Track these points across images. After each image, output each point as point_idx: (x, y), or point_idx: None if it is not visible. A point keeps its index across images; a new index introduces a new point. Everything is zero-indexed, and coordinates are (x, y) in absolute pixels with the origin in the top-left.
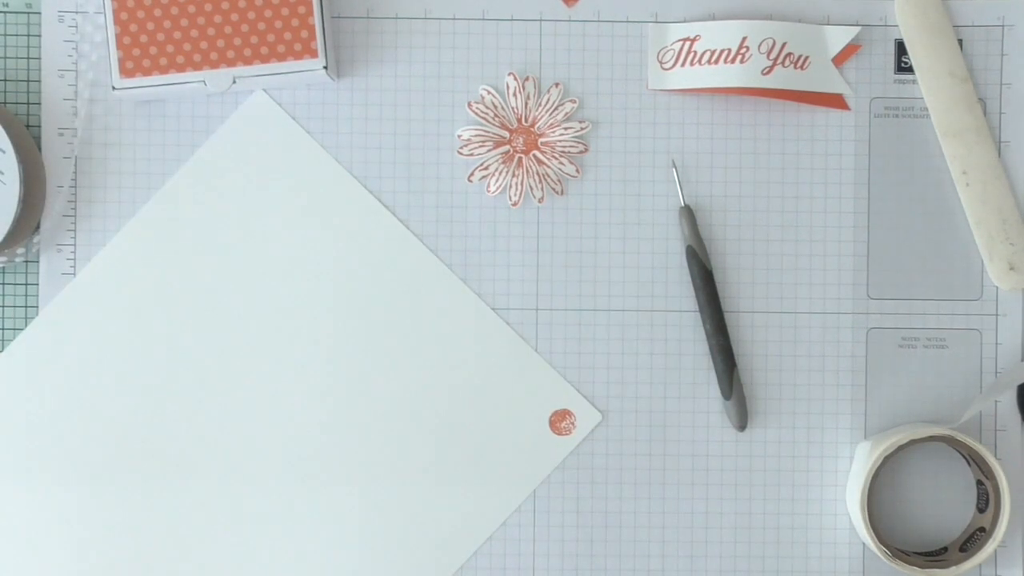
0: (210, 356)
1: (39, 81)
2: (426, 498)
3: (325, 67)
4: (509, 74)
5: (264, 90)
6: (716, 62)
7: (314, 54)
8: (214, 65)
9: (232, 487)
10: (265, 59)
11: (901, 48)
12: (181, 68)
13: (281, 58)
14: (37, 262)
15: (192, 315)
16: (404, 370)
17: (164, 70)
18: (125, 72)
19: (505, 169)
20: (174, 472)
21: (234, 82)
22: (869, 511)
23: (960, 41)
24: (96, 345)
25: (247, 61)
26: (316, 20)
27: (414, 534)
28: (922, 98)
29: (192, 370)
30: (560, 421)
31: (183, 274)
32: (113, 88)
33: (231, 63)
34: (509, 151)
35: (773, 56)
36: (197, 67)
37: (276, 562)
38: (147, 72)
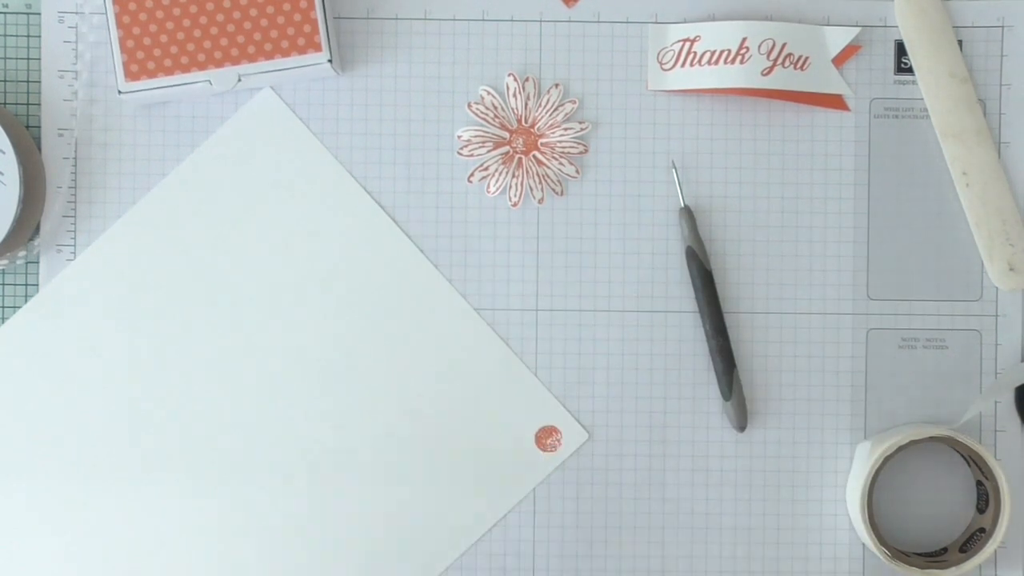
0: (206, 357)
1: (39, 82)
2: (416, 503)
3: (330, 60)
4: (509, 74)
5: (271, 87)
6: (716, 63)
7: (318, 48)
8: (219, 64)
9: (225, 485)
10: (269, 55)
11: (901, 49)
12: (186, 69)
13: (285, 54)
14: (37, 263)
15: (189, 312)
16: (395, 378)
17: (169, 71)
18: (130, 75)
19: (505, 170)
20: (168, 472)
21: (239, 80)
22: (869, 511)
23: (960, 42)
24: (94, 341)
25: (251, 58)
26: (318, 14)
27: (404, 536)
28: (922, 99)
29: (188, 369)
30: (547, 437)
31: (179, 269)
32: (119, 92)
33: (235, 61)
34: (509, 152)
35: (773, 57)
36: (202, 67)
37: (266, 558)
38: (152, 74)
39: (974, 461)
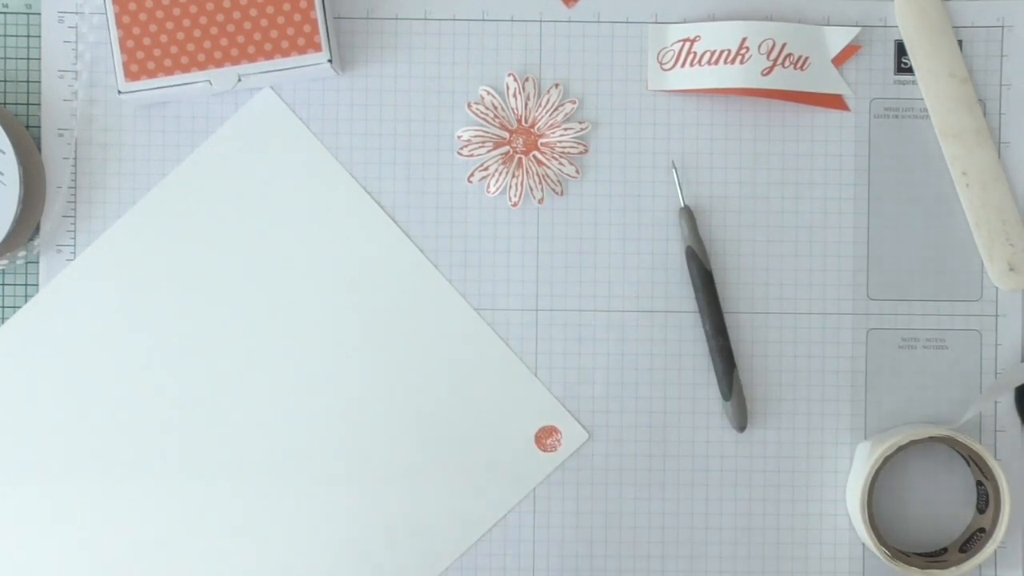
0: (206, 356)
1: (39, 82)
2: (416, 503)
3: (330, 60)
4: (509, 75)
5: (271, 87)
6: (716, 63)
7: (318, 48)
8: (219, 64)
9: (225, 483)
10: (269, 55)
11: (901, 49)
12: (186, 69)
13: (285, 54)
14: (37, 263)
15: (188, 312)
16: (395, 378)
17: (169, 71)
18: (130, 75)
19: (505, 170)
20: (169, 471)
21: (239, 80)
22: (869, 511)
23: (960, 42)
24: (94, 341)
25: (251, 58)
26: (318, 14)
27: (403, 536)
28: (922, 99)
29: (188, 368)
30: (547, 437)
31: (180, 269)
32: (119, 92)
33: (235, 61)
34: (509, 152)
35: (773, 57)
36: (202, 67)
37: (265, 556)
38: (152, 74)
39: (974, 461)
